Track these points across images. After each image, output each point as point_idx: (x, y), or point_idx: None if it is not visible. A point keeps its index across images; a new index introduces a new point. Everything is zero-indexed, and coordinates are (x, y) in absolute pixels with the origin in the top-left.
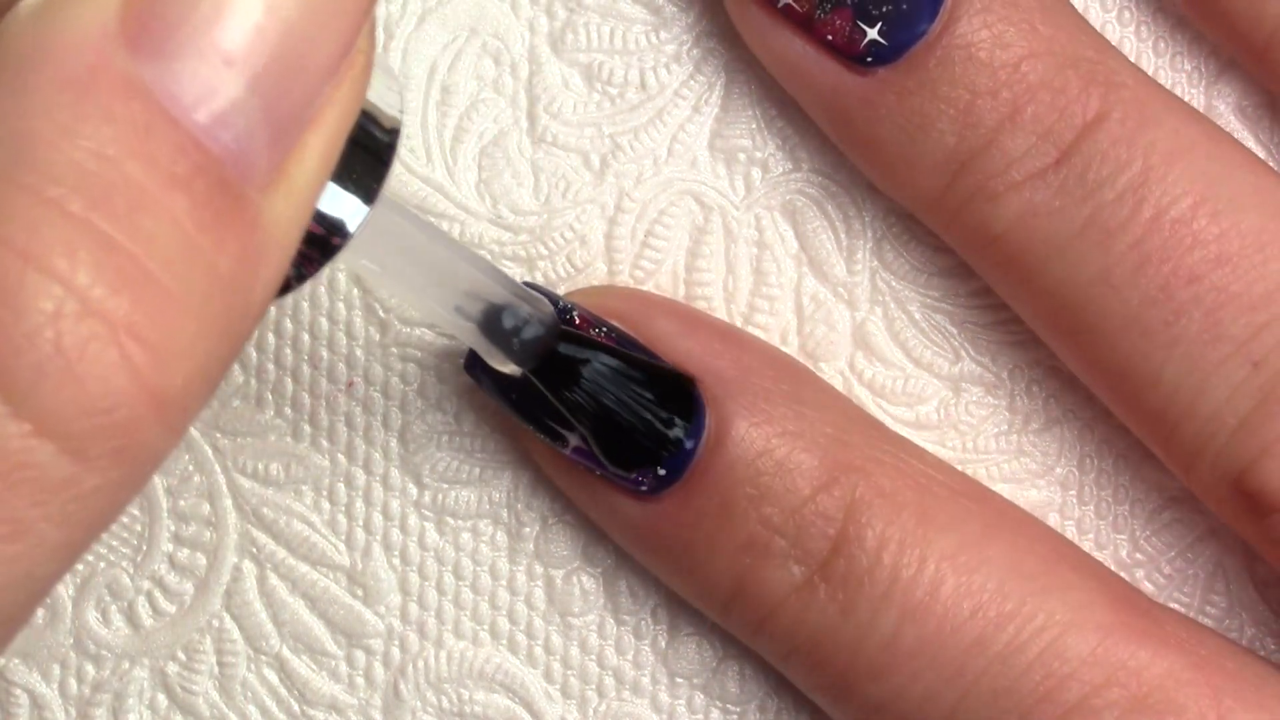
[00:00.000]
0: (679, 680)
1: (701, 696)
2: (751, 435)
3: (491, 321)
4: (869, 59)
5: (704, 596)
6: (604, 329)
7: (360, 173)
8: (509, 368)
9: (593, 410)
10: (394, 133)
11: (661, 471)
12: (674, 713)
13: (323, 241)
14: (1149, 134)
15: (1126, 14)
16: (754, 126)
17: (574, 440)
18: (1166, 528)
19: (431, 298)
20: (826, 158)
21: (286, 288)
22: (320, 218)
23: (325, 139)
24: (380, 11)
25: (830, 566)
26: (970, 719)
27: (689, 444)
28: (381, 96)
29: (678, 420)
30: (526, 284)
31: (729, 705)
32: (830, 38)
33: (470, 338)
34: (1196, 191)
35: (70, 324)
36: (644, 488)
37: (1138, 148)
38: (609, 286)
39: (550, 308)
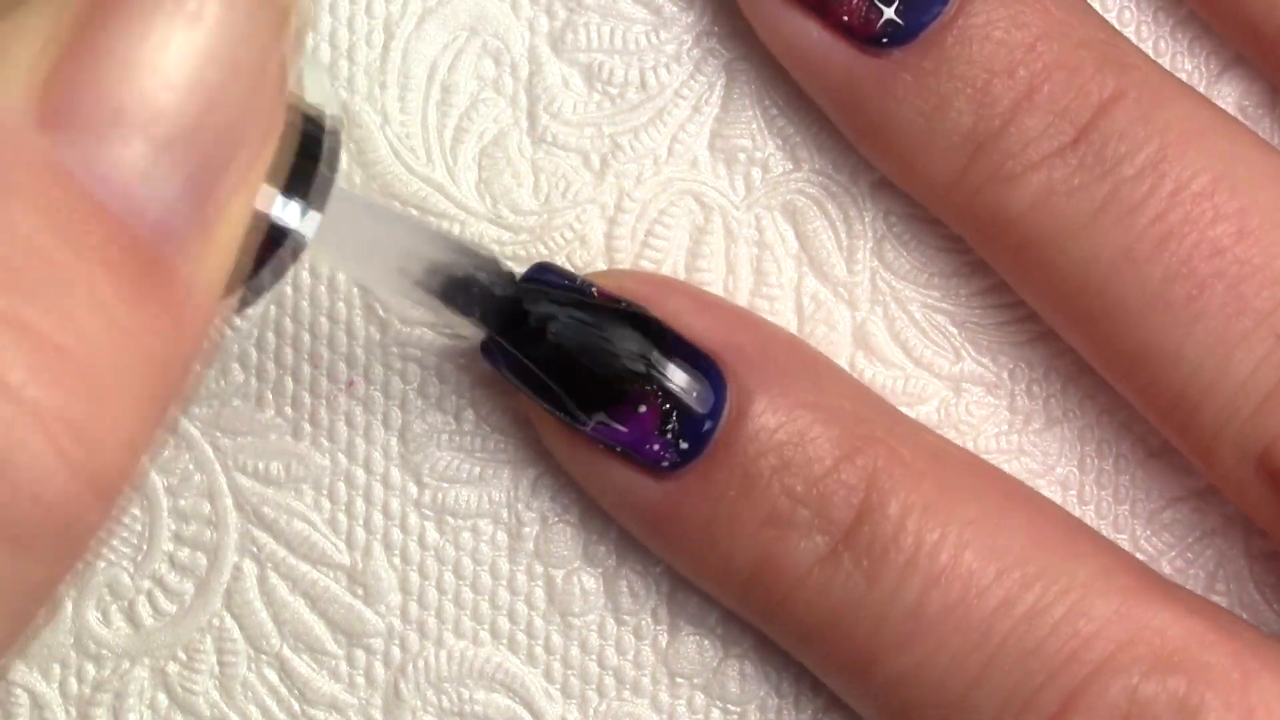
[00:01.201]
0: (679, 680)
1: (702, 696)
2: (773, 408)
3: (451, 292)
4: (884, 39)
5: (724, 577)
6: (623, 304)
7: (308, 180)
8: (471, 331)
9: (561, 363)
10: (335, 134)
11: (684, 445)
12: (674, 713)
13: (280, 254)
14: (1165, 113)
15: (1127, 14)
16: (754, 126)
17: (596, 417)
18: (1166, 528)
19: (389, 280)
20: (827, 158)
21: (247, 303)
22: (275, 230)
23: (250, 193)
24: (380, 11)
25: (854, 535)
26: (997, 681)
27: (709, 425)
28: (319, 97)
29: (646, 355)
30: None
31: (729, 705)
32: (846, 18)
33: (433, 309)
34: (1215, 168)
35: (3, 426)
36: (665, 464)
37: (1155, 125)
38: (624, 270)
39: (505, 266)
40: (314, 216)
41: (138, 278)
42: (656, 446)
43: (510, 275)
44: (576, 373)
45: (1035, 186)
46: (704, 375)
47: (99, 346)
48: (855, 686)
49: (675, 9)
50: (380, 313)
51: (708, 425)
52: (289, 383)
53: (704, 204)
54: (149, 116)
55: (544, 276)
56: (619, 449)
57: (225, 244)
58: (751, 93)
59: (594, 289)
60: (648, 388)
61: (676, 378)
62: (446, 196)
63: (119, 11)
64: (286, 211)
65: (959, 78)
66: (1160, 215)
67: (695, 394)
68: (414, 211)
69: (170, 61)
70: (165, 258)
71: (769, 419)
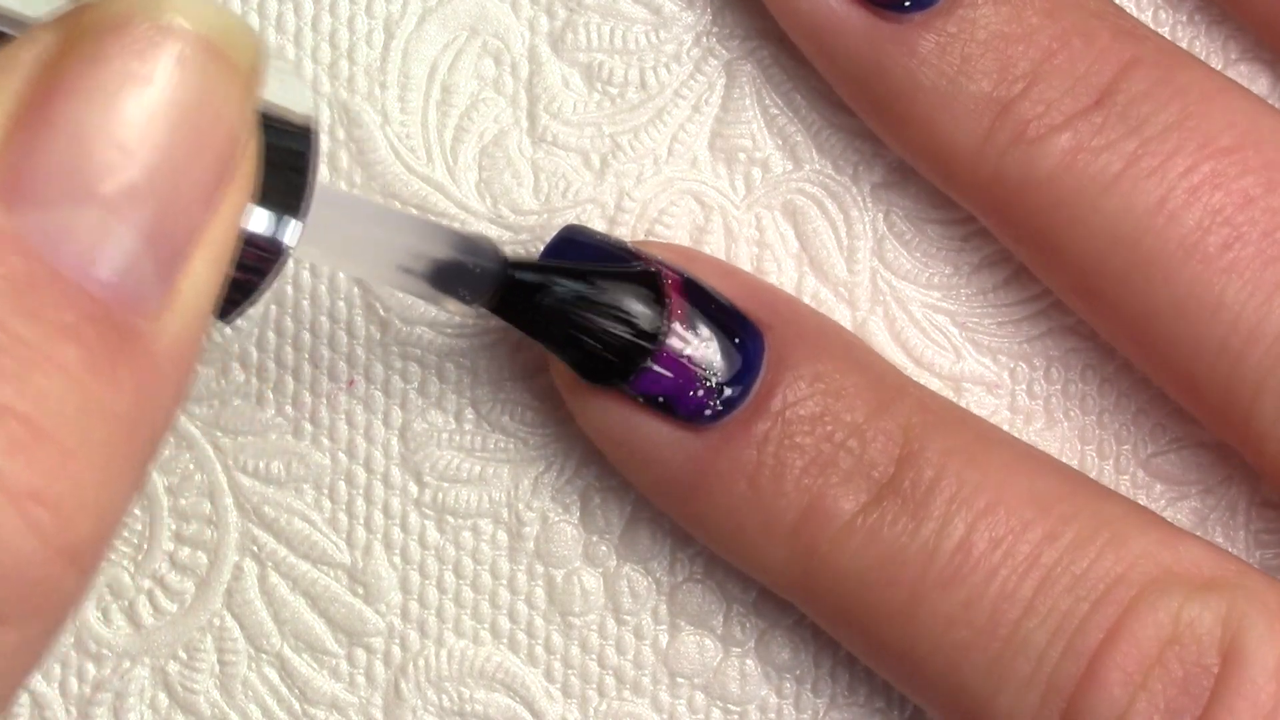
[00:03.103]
0: (680, 680)
1: (702, 696)
2: (809, 359)
3: (439, 277)
4: (907, 4)
5: (768, 529)
6: (637, 265)
7: (284, 188)
8: (466, 311)
9: (562, 335)
10: (308, 135)
11: (729, 391)
12: (674, 712)
13: (264, 263)
14: (1183, 75)
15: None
16: (754, 126)
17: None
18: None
19: (375, 269)
20: (827, 157)
21: (230, 313)
22: (256, 240)
23: (215, 247)
24: (380, 11)
25: (898, 477)
26: (1049, 607)
27: (747, 379)
28: (288, 98)
29: (650, 324)
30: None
31: (730, 705)
32: None
33: (421, 294)
34: (1239, 125)
35: None
36: (708, 413)
37: (1175, 87)
38: (648, 241)
39: (493, 245)
40: (295, 225)
41: (103, 344)
42: (700, 394)
43: (499, 254)
44: (581, 345)
45: (1063, 145)
46: (742, 329)
47: (63, 414)
48: (900, 641)
49: (675, 9)
50: (380, 312)
51: (748, 377)
52: (289, 382)
53: (704, 204)
54: (100, 182)
55: (574, 237)
56: (661, 399)
57: (194, 297)
58: (751, 93)
59: (626, 246)
60: (658, 347)
61: (698, 336)
62: (447, 196)
63: (70, 81)
64: (265, 223)
65: (981, 41)
66: (1191, 168)
67: (719, 351)
68: (413, 210)
69: (121, 127)
70: (127, 320)
71: (806, 369)
